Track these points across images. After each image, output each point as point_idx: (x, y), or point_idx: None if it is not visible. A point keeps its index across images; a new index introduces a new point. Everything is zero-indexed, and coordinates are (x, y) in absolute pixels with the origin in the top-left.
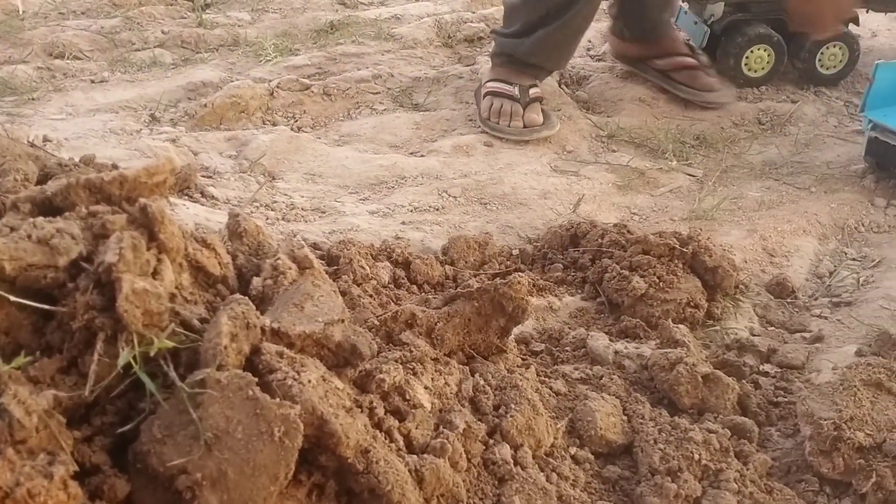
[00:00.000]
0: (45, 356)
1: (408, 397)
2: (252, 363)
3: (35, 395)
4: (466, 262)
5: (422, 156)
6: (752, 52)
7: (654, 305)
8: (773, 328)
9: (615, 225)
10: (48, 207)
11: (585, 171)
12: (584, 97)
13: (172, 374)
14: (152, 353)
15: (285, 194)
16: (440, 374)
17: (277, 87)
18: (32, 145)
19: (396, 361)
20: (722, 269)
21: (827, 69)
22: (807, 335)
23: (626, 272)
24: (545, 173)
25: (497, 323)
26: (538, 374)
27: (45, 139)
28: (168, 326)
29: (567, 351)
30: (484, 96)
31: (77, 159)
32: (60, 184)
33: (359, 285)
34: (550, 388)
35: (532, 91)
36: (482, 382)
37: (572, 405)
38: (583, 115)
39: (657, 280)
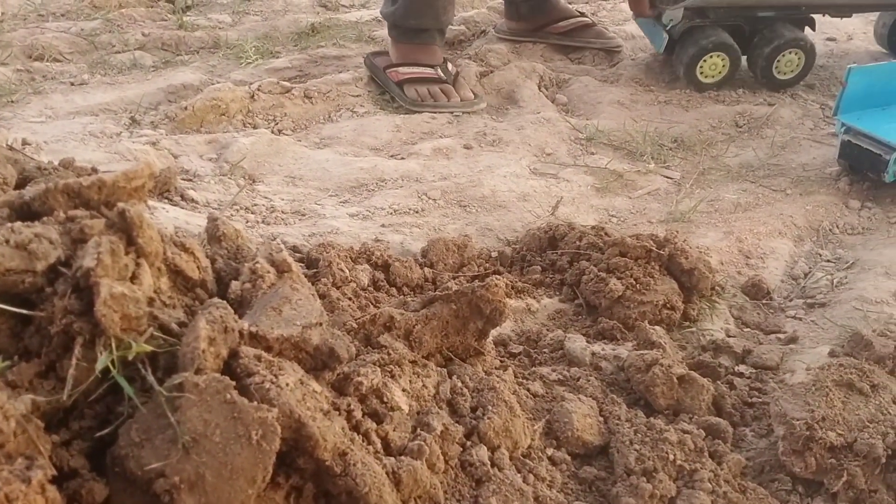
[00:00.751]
0: (22, 360)
1: (385, 400)
2: (230, 367)
3: (13, 400)
4: (445, 265)
5: (402, 158)
6: (708, 58)
7: (630, 307)
8: (748, 329)
9: (593, 227)
10: (26, 212)
11: (564, 173)
12: (563, 100)
13: (150, 378)
14: (130, 357)
15: (265, 197)
16: (418, 377)
17: (258, 89)
18: (11, 149)
19: (374, 364)
20: (698, 271)
21: (783, 74)
22: (781, 336)
23: (604, 274)
24: (524, 176)
25: (475, 325)
26: (516, 376)
27: (24, 142)
28: (146, 331)
29: (545, 353)
30: (403, 84)
31: (56, 163)
32: (39, 189)
33: (338, 288)
34: (528, 390)
35: (451, 67)
36: (460, 384)
37: (550, 406)
38: (562, 117)
39: (634, 282)
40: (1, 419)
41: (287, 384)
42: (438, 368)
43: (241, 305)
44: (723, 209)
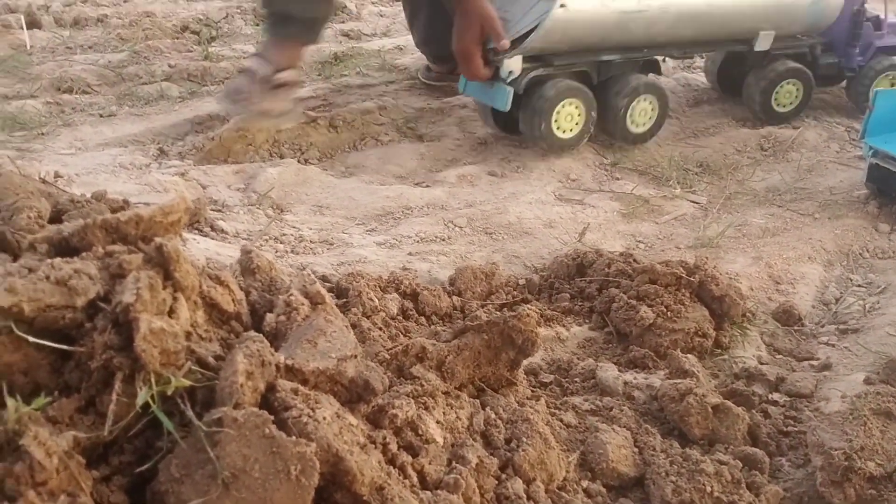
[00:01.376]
0: (62, 396)
1: (420, 432)
2: (267, 400)
3: (55, 436)
4: (473, 293)
5: (427, 186)
6: (561, 108)
7: (662, 335)
8: (780, 356)
9: (621, 254)
10: (65, 248)
11: (590, 199)
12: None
13: (189, 412)
14: (169, 392)
15: (293, 227)
16: (451, 408)
17: None
18: (44, 181)
19: (408, 396)
20: (729, 298)
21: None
22: (815, 363)
23: (634, 302)
24: (550, 202)
25: (507, 355)
26: (548, 406)
27: (57, 175)
28: (184, 365)
29: (576, 382)
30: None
31: (89, 195)
32: (77, 224)
33: (368, 317)
34: (561, 421)
35: (283, 75)
36: (493, 416)
37: (583, 437)
38: (586, 143)
39: (665, 309)
40: (44, 456)
41: (324, 418)
42: (471, 399)
43: (275, 338)
44: (751, 234)
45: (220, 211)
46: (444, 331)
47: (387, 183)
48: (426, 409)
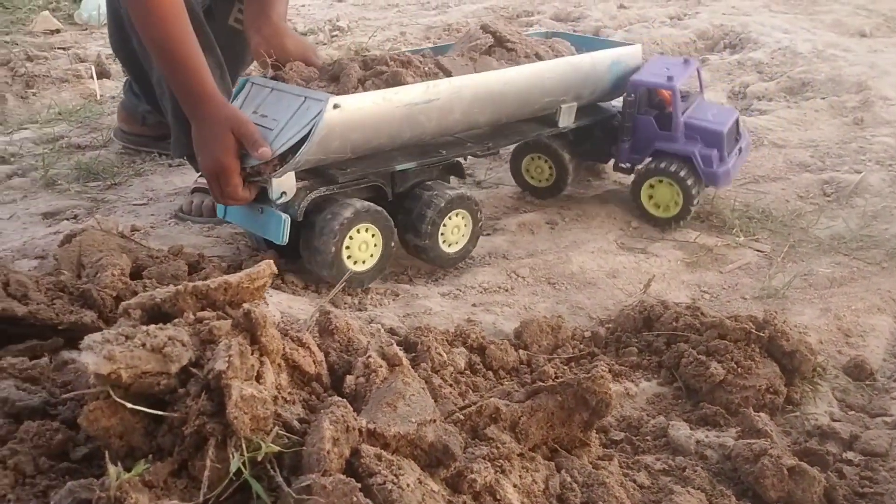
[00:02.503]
0: (156, 459)
1: (499, 497)
2: (351, 465)
3: (155, 503)
4: (540, 346)
5: (488, 234)
6: (354, 234)
7: (733, 392)
8: (853, 412)
9: (688, 307)
10: (157, 313)
11: (653, 247)
12: None
13: (280, 479)
14: (259, 458)
15: (358, 279)
16: (527, 471)
17: None
18: (123, 236)
19: (484, 458)
20: (800, 354)
21: (450, 245)
22: (888, 419)
23: (703, 357)
24: (612, 251)
25: (580, 417)
26: (620, 466)
27: (134, 228)
28: (272, 430)
29: (648, 440)
30: (191, 191)
31: (166, 249)
32: (169, 291)
33: (437, 372)
34: (634, 482)
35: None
36: (568, 479)
37: (657, 499)
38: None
39: (735, 366)
40: None
41: (408, 485)
42: (546, 462)
43: (355, 399)
44: (817, 284)
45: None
46: (516, 391)
47: None
48: (503, 472)
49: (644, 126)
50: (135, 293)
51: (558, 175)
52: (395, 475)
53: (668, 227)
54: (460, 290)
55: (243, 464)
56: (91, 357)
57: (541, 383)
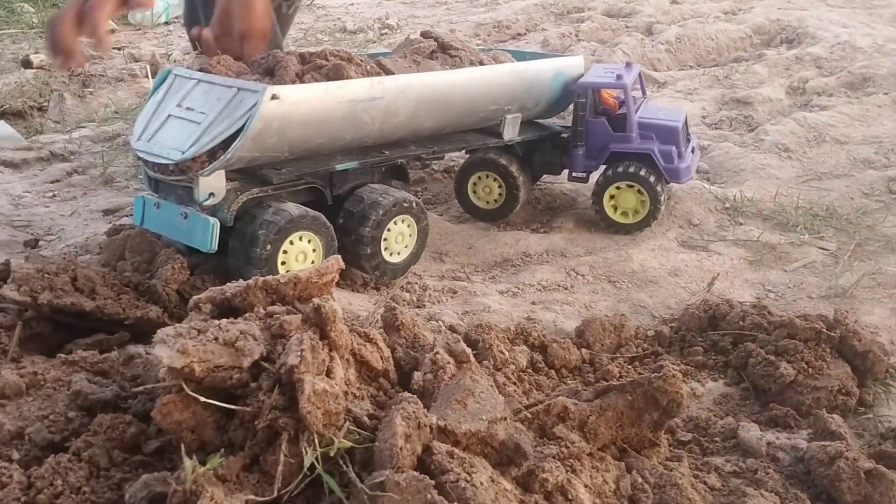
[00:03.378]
0: (227, 453)
1: (570, 497)
2: (423, 463)
3: (229, 497)
4: (602, 346)
5: (545, 232)
6: (289, 245)
7: (804, 393)
8: None
9: (755, 306)
10: (227, 308)
11: (714, 246)
12: (703, 167)
13: (352, 475)
14: (332, 454)
15: (416, 274)
16: (597, 471)
17: None
18: None
19: (555, 458)
20: (873, 354)
21: (394, 255)
22: None
23: (772, 357)
24: (673, 249)
25: (650, 416)
26: (690, 467)
27: None
28: (343, 425)
29: (716, 441)
30: None
31: None
32: (239, 285)
33: (499, 370)
34: (705, 483)
35: None
36: (639, 480)
37: (728, 501)
38: (706, 186)
39: (805, 366)
40: None
41: (481, 483)
42: (616, 462)
43: (423, 396)
44: (886, 283)
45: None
46: (583, 390)
47: (503, 228)
48: (574, 472)
49: (597, 129)
50: (195, 288)
51: (508, 194)
52: (468, 473)
53: (636, 232)
54: (518, 288)
55: (316, 459)
56: (165, 351)
57: (605, 382)
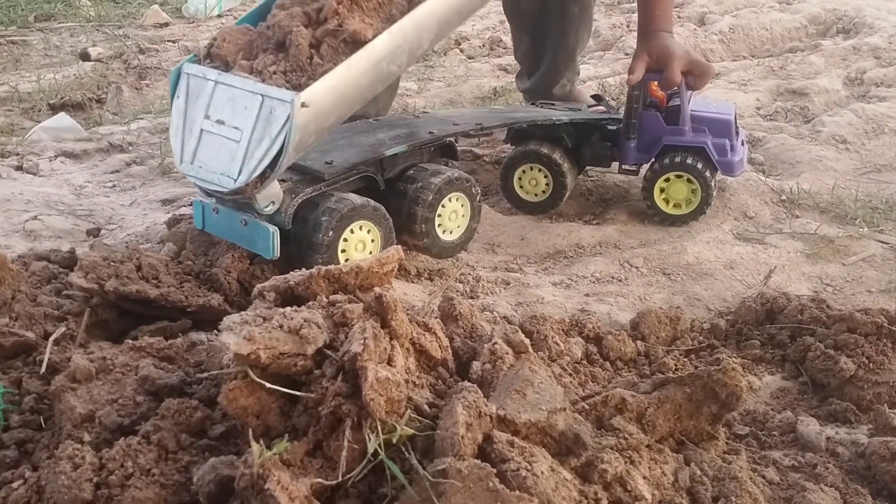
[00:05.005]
0: (291, 439)
1: (629, 488)
2: (484, 451)
3: (295, 482)
4: (658, 338)
5: (597, 224)
6: (349, 234)
7: (864, 388)
8: None
9: (813, 300)
10: (290, 296)
11: (770, 238)
12: (759, 159)
13: (415, 462)
14: (394, 441)
15: (469, 265)
16: (656, 463)
17: None
18: None
19: (613, 449)
20: None
21: (448, 233)
22: None
23: (832, 351)
24: (728, 241)
25: (709, 409)
26: (747, 461)
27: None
28: (405, 413)
29: (774, 435)
30: None
31: None
32: (303, 274)
33: (554, 361)
34: (763, 477)
35: None
36: (698, 472)
37: (788, 496)
38: (761, 179)
39: (866, 360)
40: (287, 501)
41: (542, 472)
42: (674, 454)
43: (482, 386)
44: None
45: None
46: (640, 382)
47: (555, 220)
48: (632, 463)
49: (650, 122)
50: (254, 276)
51: (555, 186)
52: (529, 462)
53: (690, 222)
54: (572, 280)
55: (379, 445)
56: (231, 338)
57: (661, 375)
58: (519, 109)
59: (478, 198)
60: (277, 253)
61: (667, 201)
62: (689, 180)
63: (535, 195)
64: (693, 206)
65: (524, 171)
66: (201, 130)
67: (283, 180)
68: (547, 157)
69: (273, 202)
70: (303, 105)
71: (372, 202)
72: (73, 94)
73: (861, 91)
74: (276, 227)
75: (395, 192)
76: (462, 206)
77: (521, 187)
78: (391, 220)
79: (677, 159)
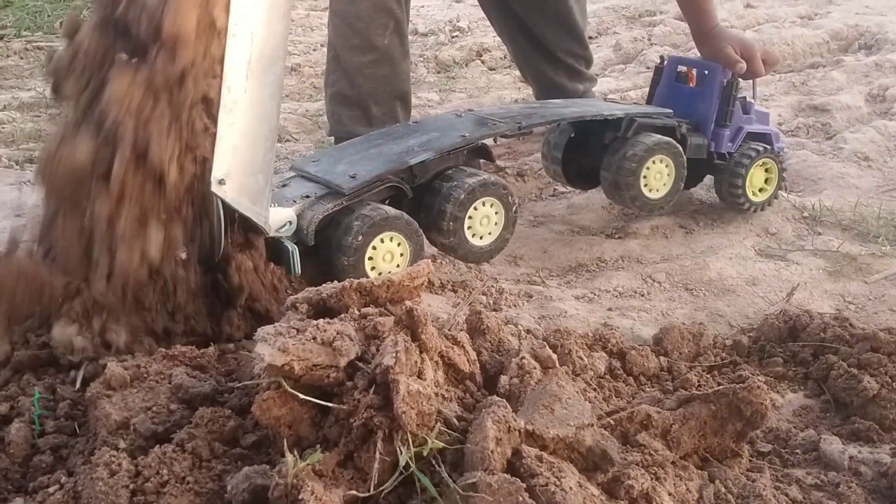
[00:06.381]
0: (323, 450)
1: None
2: (513, 465)
3: (328, 493)
4: (681, 354)
5: (619, 238)
6: (379, 244)
7: (887, 407)
8: None
9: (836, 318)
10: (323, 308)
11: (793, 255)
12: None
13: (445, 475)
14: (425, 453)
15: (493, 278)
16: (681, 479)
17: None
18: None
19: (639, 465)
20: None
21: (480, 238)
22: None
23: (855, 370)
24: (750, 258)
25: (734, 427)
26: (770, 479)
27: None
28: (435, 426)
29: (797, 454)
30: None
31: None
32: (335, 287)
33: (577, 376)
34: (786, 495)
35: None
36: (723, 490)
37: None
38: (783, 195)
39: (889, 380)
40: None
41: (570, 487)
42: (698, 471)
43: (509, 400)
44: None
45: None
46: (665, 398)
47: (577, 233)
48: (658, 479)
49: (738, 109)
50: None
51: (674, 182)
52: (557, 477)
53: (760, 210)
54: (595, 294)
55: (410, 458)
56: (266, 349)
57: (684, 391)
58: (572, 104)
59: (514, 208)
60: (299, 270)
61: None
62: (766, 168)
63: (658, 189)
64: (768, 193)
65: (653, 162)
66: None
67: (307, 196)
68: (673, 147)
69: (289, 222)
70: (220, 182)
71: (406, 216)
72: None
73: (883, 108)
74: (296, 248)
75: (431, 189)
76: (496, 212)
77: (647, 186)
78: (423, 237)
79: (761, 148)
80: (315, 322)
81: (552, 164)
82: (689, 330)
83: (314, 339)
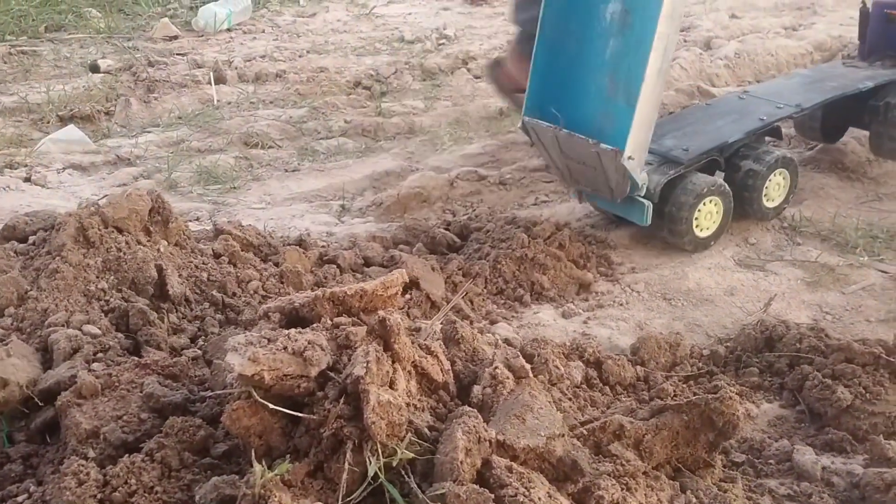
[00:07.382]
0: (293, 459)
1: None
2: (482, 476)
3: (296, 503)
4: (657, 363)
5: (600, 246)
6: (703, 206)
7: (860, 418)
8: None
9: (812, 329)
10: (295, 317)
11: (771, 265)
12: None
13: (414, 485)
14: (394, 464)
15: (472, 285)
16: (652, 490)
17: (457, 177)
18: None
19: (610, 476)
20: None
21: (771, 200)
22: None
23: (829, 381)
24: (729, 268)
25: (706, 437)
26: (743, 489)
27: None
28: (406, 436)
29: (770, 464)
30: None
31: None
32: (307, 296)
33: (554, 385)
34: None
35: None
36: (694, 500)
37: None
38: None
39: (863, 391)
40: None
41: (539, 498)
42: (670, 481)
43: (482, 409)
44: None
45: None
46: (638, 408)
47: None
48: (629, 490)
49: None
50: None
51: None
52: (527, 488)
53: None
54: (573, 303)
55: (379, 468)
56: (236, 359)
57: (659, 401)
58: (828, 76)
59: (797, 174)
60: (649, 221)
61: None
62: None
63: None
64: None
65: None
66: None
67: (649, 163)
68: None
69: (643, 184)
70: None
71: (720, 181)
72: (82, 106)
73: None
74: (650, 203)
75: (731, 165)
76: (784, 179)
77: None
78: (731, 195)
79: None
80: (286, 332)
81: (812, 120)
82: (666, 340)
83: (285, 348)
